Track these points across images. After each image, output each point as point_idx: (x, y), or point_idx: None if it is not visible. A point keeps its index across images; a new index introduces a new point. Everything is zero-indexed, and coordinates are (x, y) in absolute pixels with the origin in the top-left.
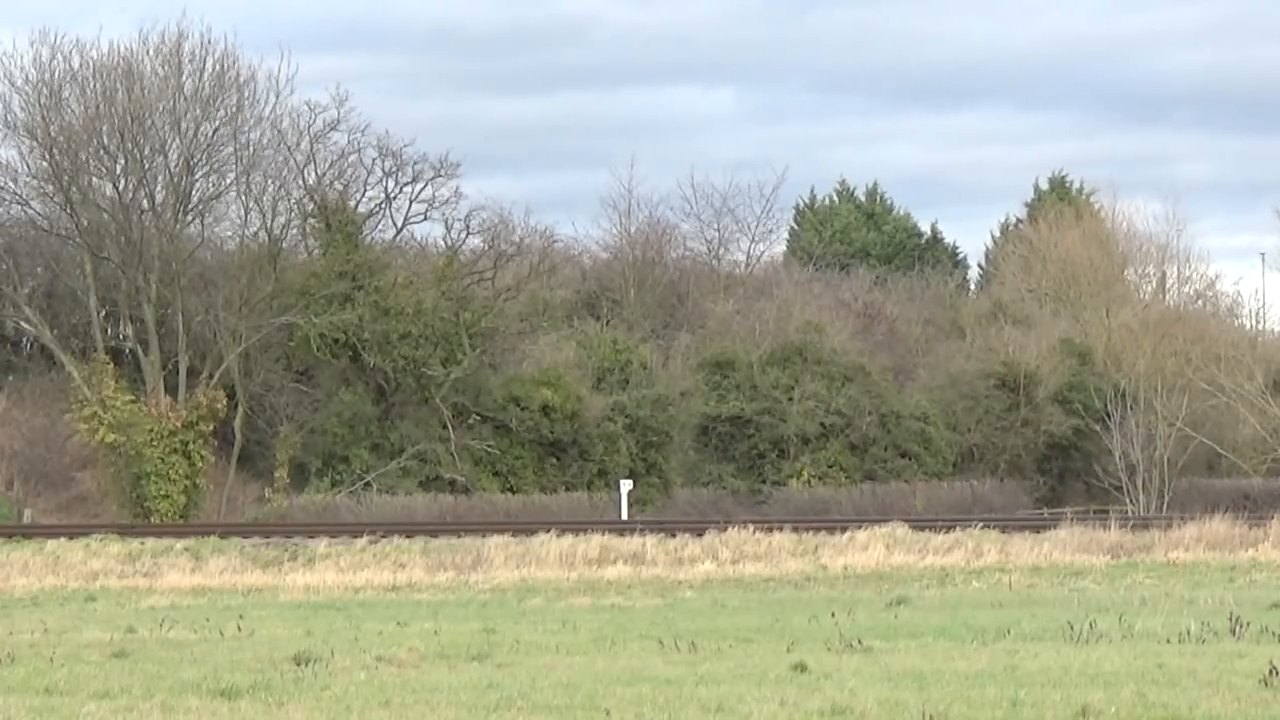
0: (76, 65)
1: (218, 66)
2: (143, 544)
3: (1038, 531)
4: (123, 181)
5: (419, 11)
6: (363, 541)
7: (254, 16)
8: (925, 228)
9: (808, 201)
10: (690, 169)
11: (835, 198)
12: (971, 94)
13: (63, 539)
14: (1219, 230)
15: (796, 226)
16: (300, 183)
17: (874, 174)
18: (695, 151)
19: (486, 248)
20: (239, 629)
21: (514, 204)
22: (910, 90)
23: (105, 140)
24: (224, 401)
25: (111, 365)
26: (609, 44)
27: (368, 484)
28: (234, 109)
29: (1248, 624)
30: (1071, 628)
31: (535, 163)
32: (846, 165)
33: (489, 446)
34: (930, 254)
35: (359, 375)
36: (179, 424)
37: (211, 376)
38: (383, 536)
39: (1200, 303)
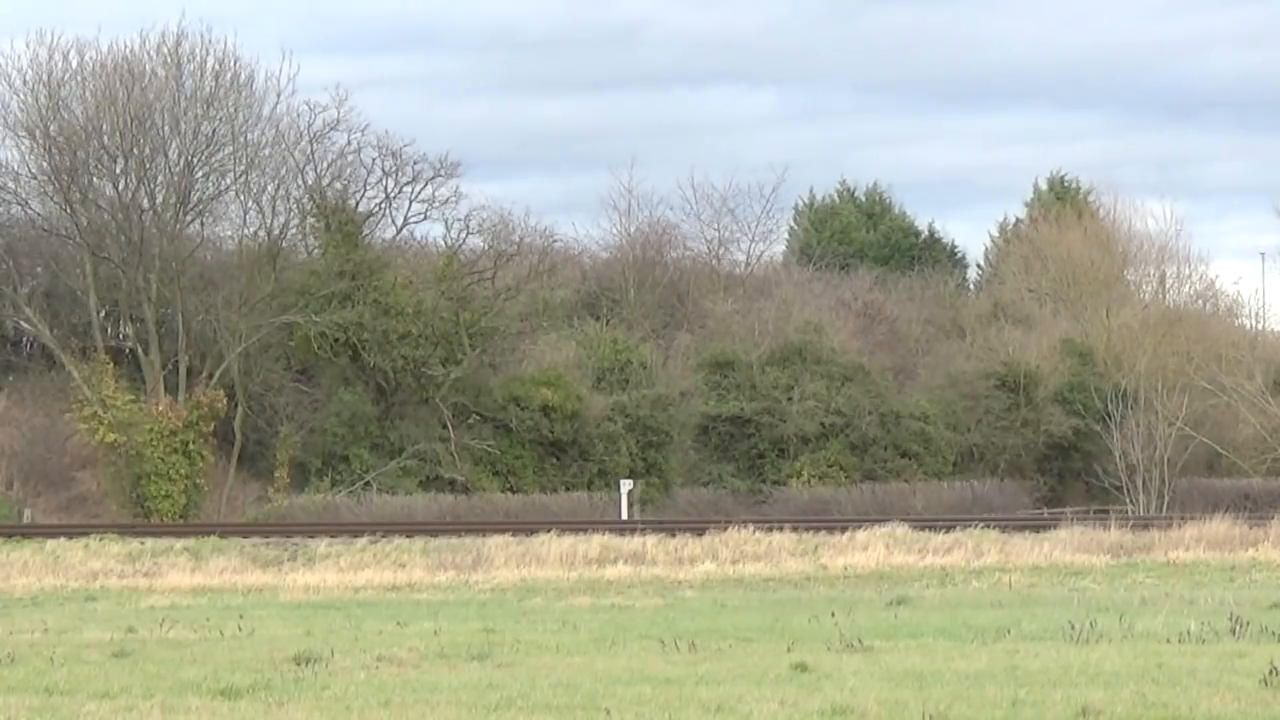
0: (76, 65)
1: (218, 66)
2: (143, 544)
3: (1038, 531)
4: (123, 181)
5: (475, 13)
6: (363, 541)
7: (289, 20)
8: (923, 227)
9: (807, 201)
10: (691, 169)
11: (835, 197)
12: (1010, 96)
13: (63, 539)
14: (1244, 230)
15: (796, 226)
16: (300, 182)
17: (897, 176)
18: (726, 153)
19: (487, 247)
20: (239, 629)
21: (514, 204)
22: (949, 92)
23: (105, 140)
24: (224, 401)
25: (111, 365)
26: (662, 46)
27: (368, 484)
28: (234, 109)
29: (1248, 624)
30: (1072, 627)
31: (564, 164)
32: (874, 166)
33: (489, 446)
34: (928, 254)
35: (359, 375)
36: (179, 424)
37: (212, 376)
38: (383, 536)
39: (1200, 303)
